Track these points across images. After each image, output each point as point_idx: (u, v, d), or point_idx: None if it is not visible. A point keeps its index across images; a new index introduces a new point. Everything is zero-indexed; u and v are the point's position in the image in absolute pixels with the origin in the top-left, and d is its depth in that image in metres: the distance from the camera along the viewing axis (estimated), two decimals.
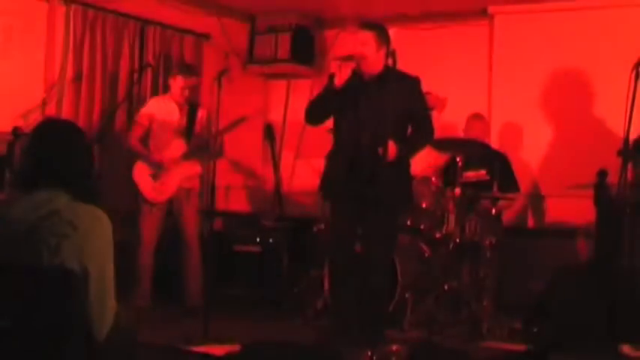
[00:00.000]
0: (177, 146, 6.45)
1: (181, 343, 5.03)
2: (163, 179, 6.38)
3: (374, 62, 5.20)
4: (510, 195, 6.48)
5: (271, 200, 8.42)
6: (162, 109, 6.49)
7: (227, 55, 8.05)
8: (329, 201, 5.59)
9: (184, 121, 6.51)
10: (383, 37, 5.22)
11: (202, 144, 6.44)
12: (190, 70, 6.73)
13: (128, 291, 6.17)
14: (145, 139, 6.50)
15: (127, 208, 6.60)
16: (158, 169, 6.38)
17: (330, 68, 5.19)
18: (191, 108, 6.58)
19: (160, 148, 6.44)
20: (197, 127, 6.56)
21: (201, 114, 6.62)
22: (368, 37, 5.21)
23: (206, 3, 7.84)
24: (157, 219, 6.41)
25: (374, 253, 5.10)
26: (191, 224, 6.49)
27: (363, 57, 5.17)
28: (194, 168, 6.52)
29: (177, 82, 6.47)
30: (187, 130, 6.51)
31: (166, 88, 6.75)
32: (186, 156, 6.45)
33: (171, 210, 6.47)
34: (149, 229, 6.38)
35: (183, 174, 6.44)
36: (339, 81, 5.10)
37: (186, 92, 6.51)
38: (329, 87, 5.17)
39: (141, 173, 6.39)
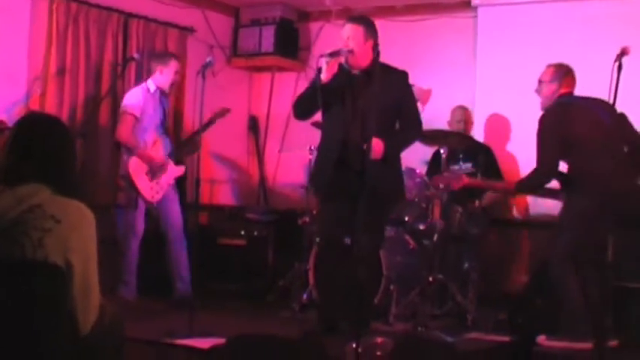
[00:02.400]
0: (166, 144, 6.48)
1: (166, 336, 5.02)
2: (159, 179, 6.38)
3: (361, 56, 5.18)
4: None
5: (256, 193, 8.42)
6: (144, 100, 6.40)
7: (211, 48, 8.02)
8: (318, 195, 5.58)
9: (161, 110, 6.51)
10: (370, 31, 5.21)
11: (182, 140, 6.43)
12: (176, 55, 6.83)
13: (114, 285, 6.17)
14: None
15: (109, 202, 6.58)
16: (155, 169, 6.35)
17: (316, 64, 5.18)
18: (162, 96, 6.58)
19: (149, 142, 6.38)
20: (169, 117, 6.62)
21: (169, 101, 6.71)
22: (355, 30, 5.19)
23: None
24: (145, 214, 6.42)
25: (362, 246, 5.08)
26: (177, 218, 6.50)
27: (350, 51, 5.16)
28: (180, 168, 6.55)
29: (172, 67, 6.48)
30: (164, 120, 6.55)
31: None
32: (172, 154, 6.48)
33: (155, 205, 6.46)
34: (140, 224, 6.38)
35: (175, 174, 6.49)
36: (326, 76, 5.09)
37: (177, 77, 6.61)
38: (316, 82, 5.15)
39: (137, 170, 6.30)
